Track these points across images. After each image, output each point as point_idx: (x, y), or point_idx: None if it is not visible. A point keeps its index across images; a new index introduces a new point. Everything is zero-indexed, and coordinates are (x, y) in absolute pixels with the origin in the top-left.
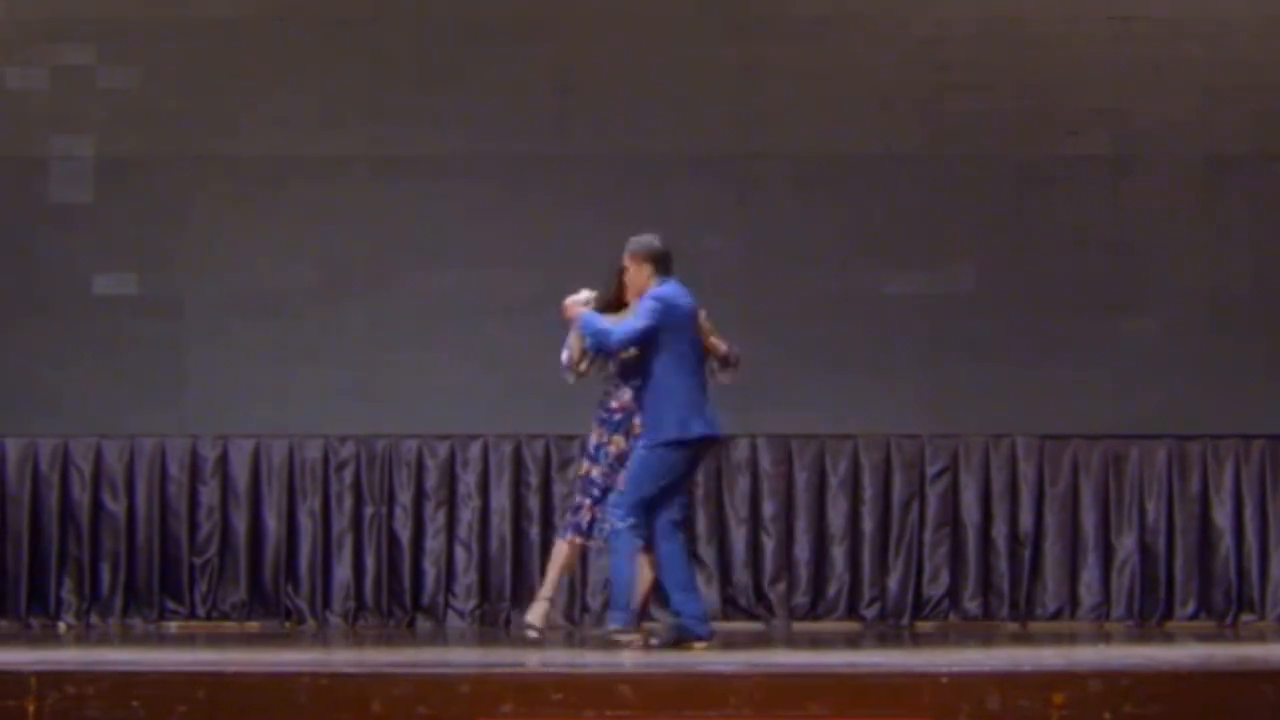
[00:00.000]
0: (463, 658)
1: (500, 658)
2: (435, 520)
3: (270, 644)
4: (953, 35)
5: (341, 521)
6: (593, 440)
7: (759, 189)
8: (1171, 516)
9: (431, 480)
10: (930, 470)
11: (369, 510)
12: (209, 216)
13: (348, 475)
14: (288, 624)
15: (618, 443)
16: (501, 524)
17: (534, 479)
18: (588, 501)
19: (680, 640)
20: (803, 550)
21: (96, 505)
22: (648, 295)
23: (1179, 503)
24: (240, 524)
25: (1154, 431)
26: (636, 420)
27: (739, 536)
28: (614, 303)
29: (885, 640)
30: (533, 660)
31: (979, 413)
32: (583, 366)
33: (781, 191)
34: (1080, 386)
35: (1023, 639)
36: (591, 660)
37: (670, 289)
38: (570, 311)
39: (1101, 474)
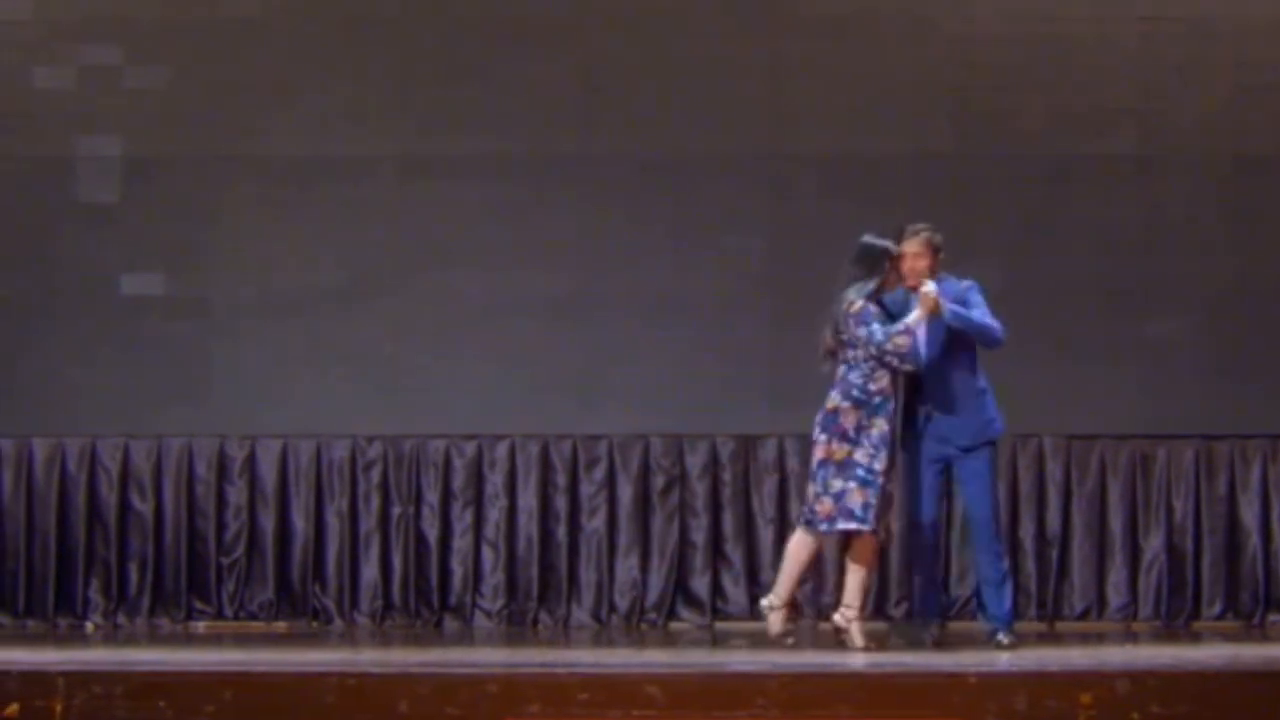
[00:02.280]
0: (490, 658)
1: (527, 658)
2: (462, 520)
3: (297, 644)
4: (981, 35)
5: (369, 521)
6: (848, 423)
7: (786, 189)
8: (1199, 517)
9: (459, 480)
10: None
11: (396, 510)
12: (236, 216)
13: (375, 475)
14: (315, 624)
15: (880, 425)
16: (529, 524)
17: (561, 479)
18: (853, 485)
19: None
20: (830, 550)
21: (124, 505)
22: (975, 287)
23: (1206, 503)
24: (268, 524)
25: (1181, 431)
26: (894, 404)
27: (766, 536)
28: (876, 292)
29: (912, 640)
30: (559, 660)
31: (1006, 412)
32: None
33: (808, 191)
34: (1107, 386)
35: (1050, 639)
36: (618, 660)
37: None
38: (937, 305)
39: (1129, 474)
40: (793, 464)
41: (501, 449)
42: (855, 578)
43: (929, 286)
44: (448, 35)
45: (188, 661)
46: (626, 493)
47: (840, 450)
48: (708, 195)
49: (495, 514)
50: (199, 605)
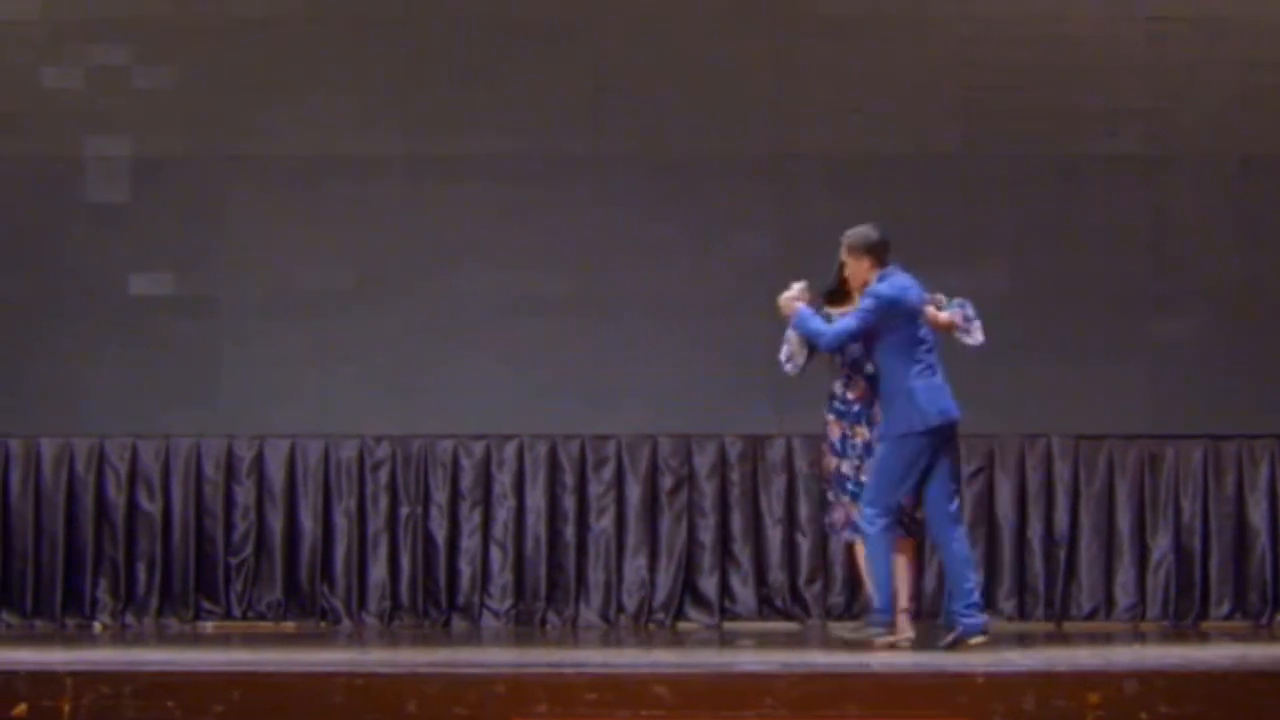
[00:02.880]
0: (498, 658)
1: (535, 658)
2: (471, 520)
3: (306, 644)
4: (989, 35)
5: (377, 521)
6: (834, 435)
7: (795, 188)
8: (1207, 516)
9: (467, 480)
10: (965, 470)
11: (404, 510)
12: (245, 216)
13: (383, 475)
14: (323, 624)
15: (862, 433)
16: (537, 524)
17: (569, 479)
18: (846, 499)
19: (960, 640)
20: (838, 550)
21: (132, 505)
22: (867, 293)
23: (1214, 503)
24: (276, 524)
25: (1189, 431)
26: (876, 408)
27: (775, 536)
28: (838, 292)
29: (921, 641)
30: (567, 660)
31: (1014, 413)
32: (800, 360)
33: (817, 191)
34: (1115, 386)
35: (1058, 639)
36: (626, 660)
37: (889, 283)
38: (787, 308)
39: (1137, 474)
40: (801, 464)
41: (510, 449)
42: (904, 580)
43: (784, 295)
44: (457, 35)
45: (196, 661)
46: (635, 493)
47: (831, 464)
48: (716, 195)
49: (503, 514)
50: (207, 605)
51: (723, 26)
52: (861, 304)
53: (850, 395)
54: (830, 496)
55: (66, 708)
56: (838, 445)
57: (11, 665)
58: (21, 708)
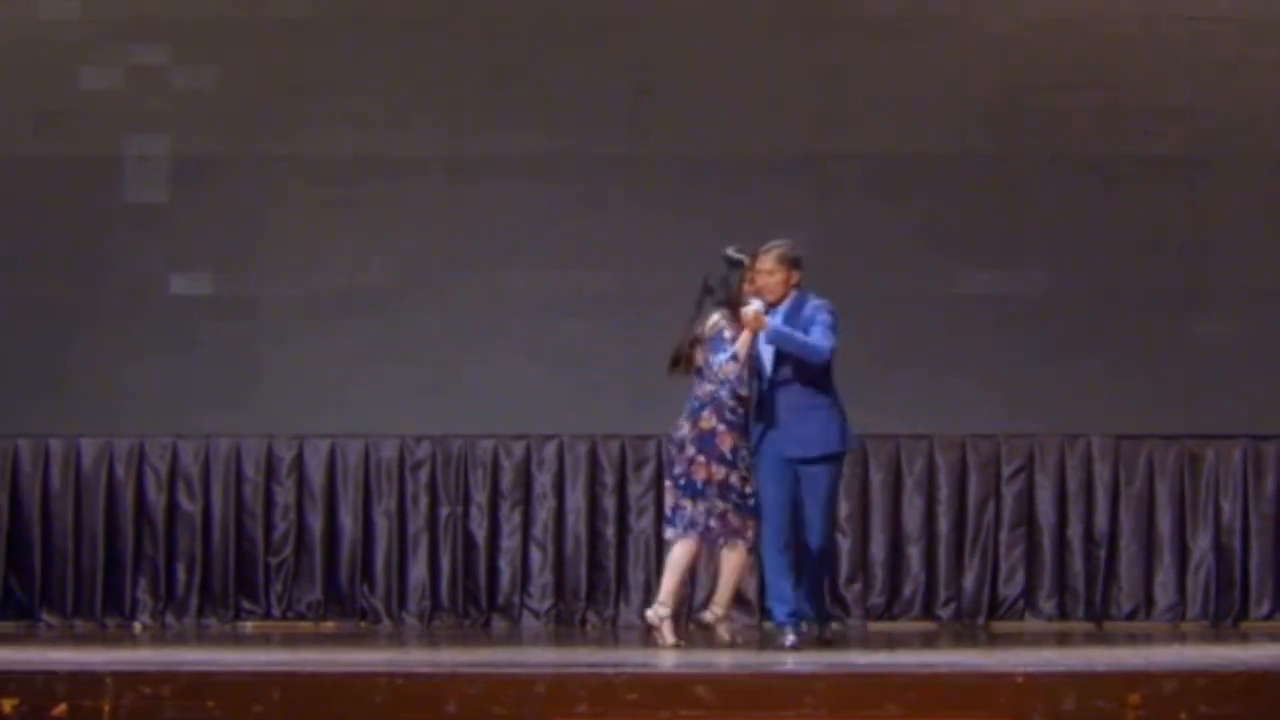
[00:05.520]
0: (538, 658)
1: (576, 658)
2: (511, 520)
3: (345, 644)
4: (1027, 35)
5: (417, 521)
6: (725, 445)
7: (834, 189)
8: (1247, 517)
9: (507, 480)
10: (1006, 470)
11: (444, 510)
12: (284, 216)
13: (423, 475)
14: (363, 624)
15: (749, 446)
16: (577, 524)
17: (609, 479)
18: (731, 508)
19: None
20: (878, 550)
21: (172, 505)
22: (826, 306)
23: (1254, 503)
24: (316, 524)
25: (1229, 431)
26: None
27: None
28: (730, 304)
29: (961, 640)
30: (608, 660)
31: (1054, 413)
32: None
33: (856, 191)
34: (1155, 387)
35: (1098, 639)
36: (667, 660)
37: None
38: (759, 323)
39: (1177, 474)
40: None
41: (550, 449)
42: (732, 583)
43: (752, 305)
44: (496, 35)
45: (236, 661)
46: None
47: (719, 472)
48: (755, 195)
49: (543, 514)
50: (247, 605)
51: (762, 27)
52: (825, 316)
53: (741, 408)
54: (705, 504)
55: (107, 708)
56: (728, 455)
57: (52, 665)
58: (62, 708)
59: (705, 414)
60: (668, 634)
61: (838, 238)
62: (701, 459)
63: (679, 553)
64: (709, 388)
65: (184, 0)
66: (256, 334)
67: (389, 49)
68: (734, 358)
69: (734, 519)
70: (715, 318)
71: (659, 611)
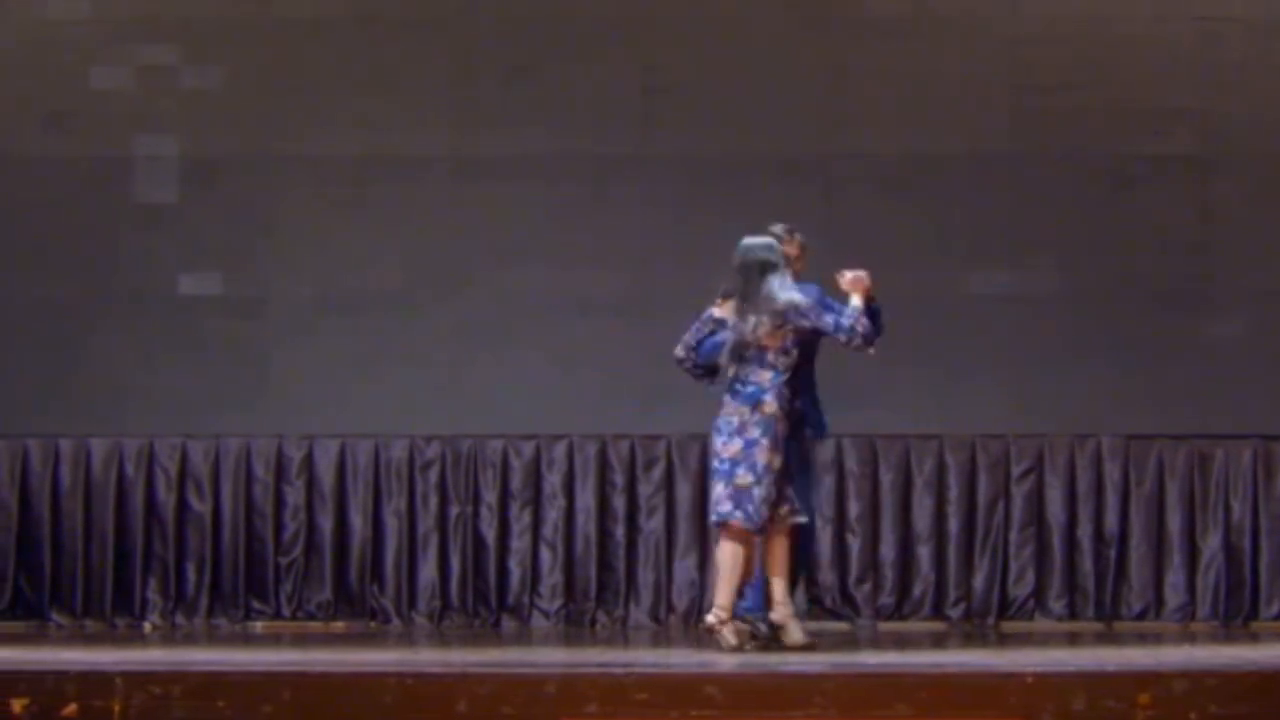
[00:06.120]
0: (548, 658)
1: (585, 658)
2: (520, 520)
3: (355, 644)
4: (1037, 35)
5: (427, 521)
6: (781, 431)
7: (843, 189)
8: (1257, 517)
9: (517, 480)
10: (1015, 470)
11: (454, 510)
12: (293, 216)
13: (433, 475)
14: (373, 624)
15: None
16: (587, 524)
17: (619, 479)
18: (775, 493)
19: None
20: (888, 550)
21: (182, 505)
22: (820, 294)
23: (1264, 503)
24: (325, 524)
25: (1239, 431)
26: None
27: (824, 537)
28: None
29: (970, 640)
30: (618, 660)
31: (1064, 413)
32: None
33: (865, 191)
34: (1165, 387)
35: (1108, 639)
36: (677, 660)
37: None
38: (863, 284)
39: (1187, 474)
40: (850, 463)
41: (559, 449)
42: (783, 571)
43: (859, 272)
44: (505, 35)
45: (246, 661)
46: (685, 493)
47: (777, 460)
48: (765, 195)
49: (553, 514)
50: (257, 605)
51: (772, 27)
52: (825, 300)
53: (788, 392)
54: (771, 492)
55: (117, 708)
56: (783, 443)
57: (62, 665)
58: (72, 708)
59: (768, 399)
60: (730, 637)
61: (846, 238)
62: (765, 442)
63: (728, 552)
64: (768, 374)
65: (193, 1)
66: (266, 334)
67: (398, 49)
68: (863, 312)
69: (779, 508)
70: (790, 294)
71: (718, 615)
